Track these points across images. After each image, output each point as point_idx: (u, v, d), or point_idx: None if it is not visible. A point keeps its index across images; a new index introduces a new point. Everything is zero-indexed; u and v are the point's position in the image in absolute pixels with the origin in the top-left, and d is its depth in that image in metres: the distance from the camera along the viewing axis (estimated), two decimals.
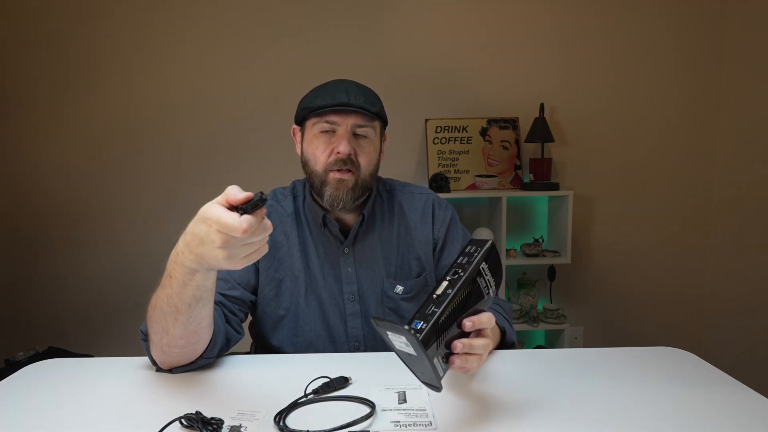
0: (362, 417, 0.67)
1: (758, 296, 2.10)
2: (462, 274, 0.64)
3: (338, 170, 0.97)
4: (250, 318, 1.09)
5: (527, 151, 2.32)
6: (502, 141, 2.27)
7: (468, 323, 0.64)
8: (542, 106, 2.17)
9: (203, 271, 0.69)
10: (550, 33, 2.26)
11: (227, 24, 2.23)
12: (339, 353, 1.00)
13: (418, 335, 0.57)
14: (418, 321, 0.60)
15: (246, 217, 0.60)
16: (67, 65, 2.22)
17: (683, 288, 2.39)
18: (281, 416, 0.68)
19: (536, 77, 2.28)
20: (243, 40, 2.24)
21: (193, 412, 0.68)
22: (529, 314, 2.22)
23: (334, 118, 0.97)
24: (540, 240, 2.25)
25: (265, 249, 0.66)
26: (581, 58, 2.27)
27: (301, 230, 1.06)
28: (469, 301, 0.65)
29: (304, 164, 1.02)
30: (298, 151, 1.06)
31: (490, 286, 0.68)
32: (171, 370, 0.85)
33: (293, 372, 0.84)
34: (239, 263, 0.64)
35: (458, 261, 0.66)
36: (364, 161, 0.99)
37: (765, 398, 0.73)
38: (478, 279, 0.65)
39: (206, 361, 0.86)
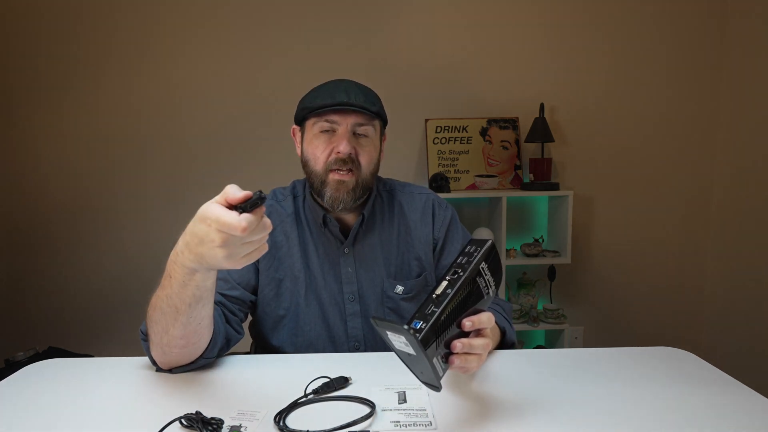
0: (362, 417, 0.67)
1: (758, 296, 2.10)
2: (462, 273, 0.64)
3: (338, 171, 0.97)
4: (250, 318, 1.09)
5: (527, 151, 2.32)
6: (502, 141, 2.27)
7: (467, 323, 0.64)
8: (542, 106, 2.17)
9: (203, 270, 0.69)
10: (550, 33, 2.26)
11: (228, 24, 2.23)
12: (339, 353, 1.00)
13: (417, 335, 0.57)
14: (417, 321, 0.60)
15: (245, 215, 0.60)
16: (68, 66, 2.22)
17: (683, 288, 2.39)
18: (281, 416, 0.68)
19: (536, 77, 2.28)
20: (244, 40, 2.24)
21: (193, 412, 0.68)
22: (529, 314, 2.22)
23: (334, 117, 0.97)
24: (540, 240, 2.25)
25: (265, 248, 0.66)
26: (581, 58, 2.27)
27: (301, 230, 1.06)
28: (469, 300, 0.65)
29: (304, 164, 1.02)
30: (298, 151, 1.06)
31: (490, 286, 0.68)
32: (171, 370, 0.85)
33: (293, 372, 0.84)
34: (239, 262, 0.64)
35: (458, 261, 0.66)
36: (365, 161, 0.99)
37: (765, 398, 0.73)
38: (477, 279, 0.65)
39: (206, 361, 0.86)
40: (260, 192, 0.60)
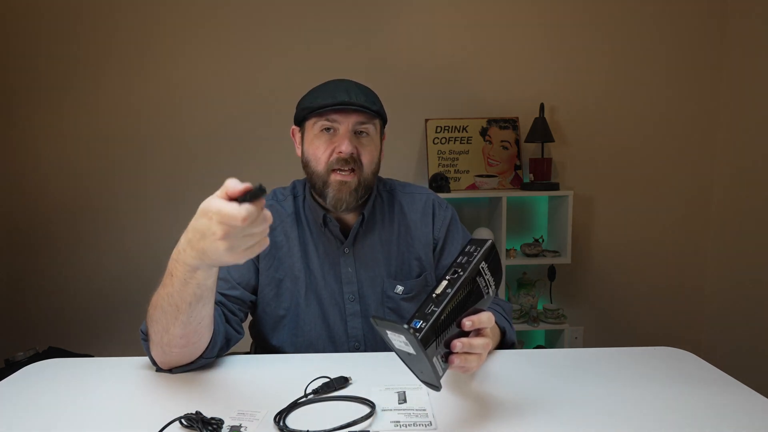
0: (362, 417, 0.67)
1: (758, 296, 2.10)
2: (462, 273, 0.64)
3: (340, 171, 0.97)
4: (250, 318, 1.09)
5: (527, 151, 2.32)
6: (502, 141, 2.27)
7: (467, 322, 0.64)
8: (542, 106, 2.17)
9: (204, 268, 0.69)
10: (550, 33, 2.26)
11: (228, 24, 2.23)
12: (339, 353, 1.00)
13: (417, 334, 0.57)
14: (417, 320, 0.60)
15: (246, 205, 0.60)
16: (68, 66, 2.22)
17: (683, 288, 2.39)
18: (281, 416, 0.68)
19: (536, 77, 2.28)
20: (244, 40, 2.24)
21: (193, 412, 0.68)
22: (529, 314, 2.22)
23: (335, 116, 0.96)
24: (540, 240, 2.25)
25: (266, 242, 0.65)
26: (581, 58, 2.27)
27: (302, 230, 1.06)
28: (469, 300, 0.65)
29: (305, 165, 1.02)
30: (298, 152, 1.06)
31: (490, 286, 0.68)
32: (171, 370, 0.85)
33: (293, 372, 0.84)
34: (241, 255, 0.63)
35: (458, 260, 0.66)
36: (366, 160, 0.99)
37: (765, 398, 0.73)
38: (477, 278, 0.65)
39: (206, 361, 0.86)
40: (260, 184, 0.60)
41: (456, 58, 2.27)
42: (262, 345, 1.09)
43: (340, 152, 0.96)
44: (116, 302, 2.31)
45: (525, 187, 2.21)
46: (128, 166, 2.27)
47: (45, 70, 2.22)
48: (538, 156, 2.25)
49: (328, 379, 0.78)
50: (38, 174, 2.27)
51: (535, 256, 2.18)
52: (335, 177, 0.97)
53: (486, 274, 0.66)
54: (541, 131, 2.14)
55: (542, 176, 2.18)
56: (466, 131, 2.27)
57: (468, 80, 2.28)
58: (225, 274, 0.98)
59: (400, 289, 1.06)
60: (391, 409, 0.71)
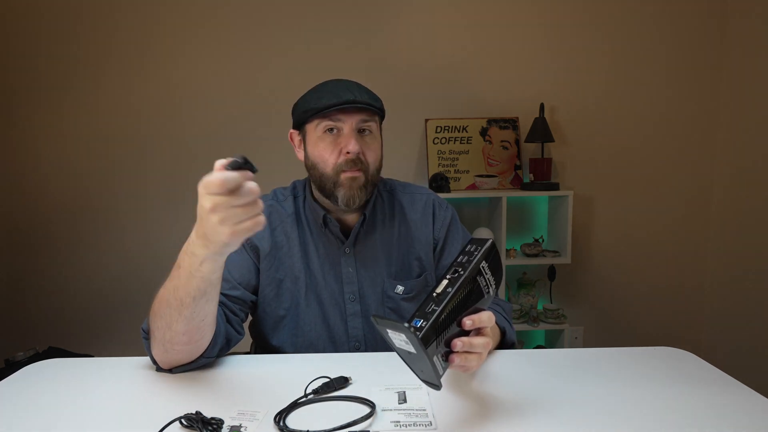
0: (362, 417, 0.67)
1: (758, 296, 2.10)
2: (462, 272, 0.64)
3: (349, 170, 0.97)
4: (251, 318, 1.09)
5: (527, 151, 2.32)
6: (502, 141, 2.27)
7: (468, 322, 0.64)
8: (542, 106, 2.17)
9: (210, 259, 0.70)
10: (550, 33, 2.26)
11: (228, 24, 2.23)
12: (339, 353, 1.00)
13: (418, 333, 0.58)
14: (418, 319, 0.60)
15: (222, 171, 0.62)
16: (68, 66, 2.22)
17: (683, 288, 2.39)
18: (281, 416, 0.68)
19: (536, 77, 2.28)
20: (244, 40, 2.24)
21: (193, 412, 0.68)
22: (529, 314, 2.22)
23: (339, 116, 0.96)
24: (540, 240, 2.25)
25: (261, 221, 0.66)
26: (581, 58, 2.27)
27: (302, 230, 1.06)
28: (469, 299, 0.65)
29: (311, 168, 1.01)
30: (300, 156, 1.05)
31: (490, 285, 0.68)
32: (171, 370, 0.85)
33: (293, 372, 0.84)
34: (235, 231, 0.64)
35: (458, 260, 0.66)
36: (372, 158, 0.99)
37: (765, 398, 0.73)
38: (478, 278, 0.65)
39: (206, 361, 0.86)
40: (242, 155, 0.63)
41: (456, 58, 2.27)
42: (263, 345, 1.09)
43: (348, 153, 0.96)
44: (116, 302, 2.31)
45: (525, 187, 2.21)
46: (128, 166, 2.27)
47: (45, 70, 2.22)
48: (538, 156, 2.25)
49: (328, 379, 0.78)
50: (38, 174, 2.27)
51: (535, 256, 2.18)
52: (345, 175, 0.97)
53: (486, 274, 0.66)
54: (541, 131, 2.14)
55: (542, 176, 2.18)
56: (466, 131, 2.27)
57: (468, 80, 2.28)
58: (226, 274, 0.98)
59: (400, 289, 1.06)
60: (391, 409, 0.71)
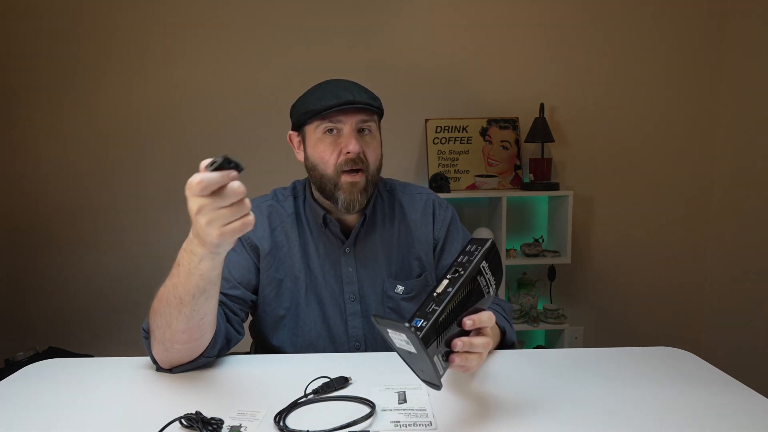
0: (362, 417, 0.67)
1: (758, 296, 2.10)
2: (462, 272, 0.64)
3: (349, 172, 0.97)
4: (251, 318, 1.09)
5: (527, 151, 2.32)
6: (502, 141, 2.27)
7: (468, 322, 0.64)
8: (542, 106, 2.17)
9: (208, 258, 0.70)
10: (550, 33, 2.26)
11: (228, 24, 2.23)
12: (339, 353, 1.00)
13: (418, 333, 0.58)
14: (418, 319, 0.60)
15: (200, 173, 0.61)
16: (68, 66, 2.22)
17: (683, 288, 2.39)
18: (281, 416, 0.68)
19: (536, 77, 2.28)
20: (244, 40, 2.24)
21: (193, 412, 0.68)
22: (529, 314, 2.22)
23: (339, 117, 0.96)
24: (540, 240, 2.25)
25: (249, 221, 0.65)
26: (581, 58, 2.27)
27: (302, 230, 1.06)
28: (470, 299, 0.65)
29: (311, 169, 1.01)
30: (300, 157, 1.05)
31: (491, 285, 0.68)
32: (171, 370, 0.85)
33: (293, 372, 0.84)
34: (224, 233, 0.64)
35: (459, 260, 0.66)
36: (372, 157, 0.99)
37: (765, 398, 0.73)
38: (478, 278, 0.65)
39: (206, 360, 0.86)
40: (223, 155, 0.62)
41: (456, 58, 2.27)
42: (263, 345, 1.09)
43: (348, 153, 0.96)
44: (116, 302, 2.31)
45: (525, 187, 2.21)
46: (128, 166, 2.27)
47: (45, 70, 2.22)
48: (538, 156, 2.25)
49: (328, 379, 0.78)
50: (38, 174, 2.27)
51: (535, 256, 2.18)
52: (345, 179, 0.97)
53: (487, 274, 0.66)
54: (541, 131, 2.14)
55: (542, 176, 2.18)
56: (466, 131, 2.27)
57: (468, 80, 2.28)
58: (226, 274, 0.98)
59: (400, 288, 1.06)
60: (391, 409, 0.71)
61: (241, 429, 0.66)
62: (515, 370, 0.85)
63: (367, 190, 0.99)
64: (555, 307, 2.22)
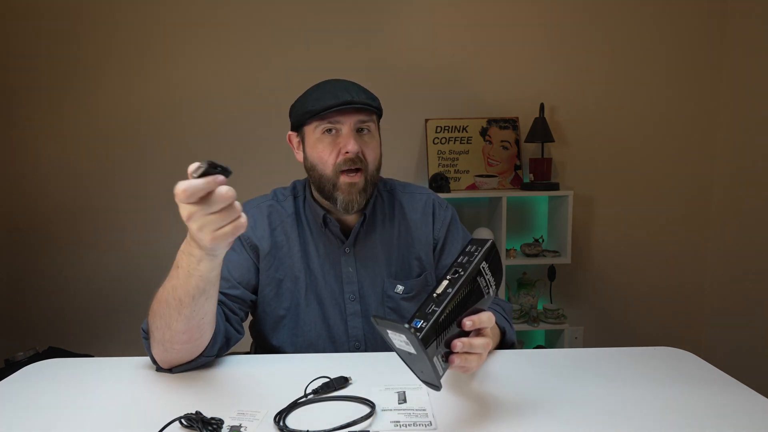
0: (362, 417, 0.67)
1: (758, 296, 2.10)
2: (462, 273, 0.64)
3: (348, 172, 0.97)
4: (251, 318, 1.09)
5: (527, 151, 2.32)
6: (502, 141, 2.27)
7: (468, 322, 0.64)
8: (542, 106, 2.17)
9: (207, 259, 0.70)
10: (550, 33, 2.26)
11: (228, 24, 2.23)
12: (339, 353, 1.00)
13: (418, 334, 0.57)
14: (418, 320, 0.60)
15: (183, 181, 0.61)
16: (68, 66, 2.22)
17: (683, 288, 2.39)
18: (281, 416, 0.68)
19: (536, 77, 2.28)
20: (244, 40, 2.24)
21: (193, 412, 0.68)
22: (529, 314, 2.22)
23: (337, 117, 0.96)
24: (540, 240, 2.25)
25: (240, 224, 0.65)
26: (581, 58, 2.27)
27: (302, 230, 1.06)
28: (469, 300, 0.65)
29: (310, 169, 1.01)
30: (299, 157, 1.05)
31: (490, 286, 0.68)
32: (171, 370, 0.85)
33: (293, 372, 0.84)
34: (217, 238, 0.64)
35: (458, 260, 0.66)
36: (371, 157, 0.99)
37: (765, 398, 0.73)
38: (478, 278, 0.65)
39: (206, 360, 0.86)
40: (209, 160, 0.61)
41: (456, 58, 2.27)
42: (263, 345, 1.09)
43: (347, 152, 0.96)
44: (116, 302, 2.31)
45: (525, 187, 2.21)
46: (128, 166, 2.27)
47: (45, 70, 2.22)
48: (538, 156, 2.25)
49: (328, 379, 0.78)
50: (38, 174, 2.27)
51: (535, 256, 2.18)
52: (344, 179, 0.97)
53: (486, 274, 0.66)
54: (541, 131, 2.14)
55: (542, 176, 2.18)
56: (466, 131, 2.27)
57: (468, 80, 2.28)
58: (226, 273, 0.99)
59: (400, 288, 1.06)
60: (391, 409, 0.71)
61: (241, 429, 0.66)
62: (515, 370, 0.85)
63: (366, 190, 0.99)
64: (555, 307, 2.22)
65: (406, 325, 0.58)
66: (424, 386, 0.65)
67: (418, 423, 0.67)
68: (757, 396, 0.74)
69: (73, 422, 0.69)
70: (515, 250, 2.21)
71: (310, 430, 0.64)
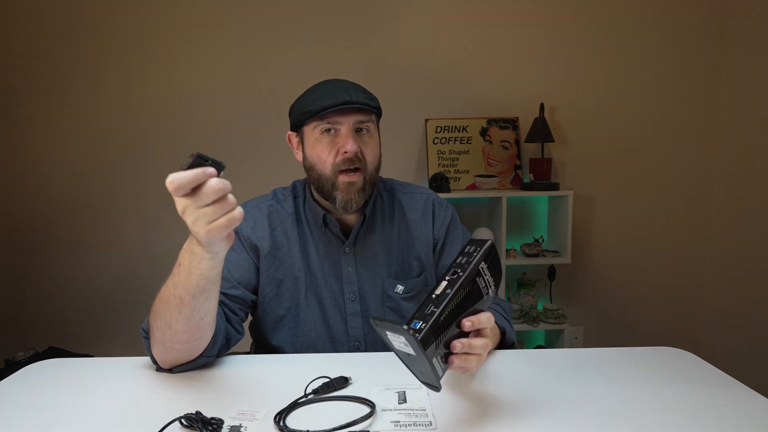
0: (362, 417, 0.67)
1: (758, 296, 2.10)
2: (461, 273, 0.64)
3: (346, 171, 0.97)
4: (251, 318, 1.09)
5: (527, 151, 2.32)
6: (502, 141, 2.27)
7: (467, 323, 0.64)
8: (542, 106, 2.17)
9: (207, 257, 0.70)
10: (550, 33, 2.26)
11: (228, 24, 2.23)
12: (339, 353, 1.00)
13: (417, 335, 0.57)
14: (417, 321, 0.60)
15: (173, 173, 0.62)
16: (68, 66, 2.22)
17: (683, 288, 2.39)
18: (281, 416, 0.69)
19: (536, 77, 2.28)
20: (244, 40, 2.24)
21: (193, 412, 0.68)
22: (529, 314, 2.22)
23: (336, 117, 0.96)
24: (540, 240, 2.25)
25: (235, 216, 0.65)
26: (581, 58, 2.27)
27: (302, 230, 1.06)
28: (468, 300, 0.65)
29: (309, 169, 1.01)
30: (298, 157, 1.05)
31: (490, 286, 0.68)
32: (171, 370, 0.85)
33: (293, 372, 0.84)
34: (209, 230, 0.64)
35: (457, 261, 0.66)
36: (370, 156, 0.99)
37: (765, 398, 0.73)
38: (477, 279, 0.65)
39: (206, 360, 0.86)
40: (194, 153, 0.62)
41: (456, 58, 2.27)
42: (263, 345, 1.09)
43: (346, 152, 0.96)
44: (116, 302, 2.31)
45: (525, 187, 2.21)
46: (128, 166, 2.27)
47: (45, 70, 2.22)
48: (538, 156, 2.25)
49: (328, 379, 0.78)
50: (38, 174, 2.27)
51: (535, 256, 2.18)
52: (343, 178, 0.97)
53: (486, 275, 0.66)
54: (541, 131, 2.14)
55: (542, 176, 2.18)
56: (466, 131, 2.27)
57: (468, 80, 2.28)
58: (226, 274, 0.98)
59: (400, 288, 1.06)
60: (391, 409, 0.71)
61: (241, 429, 0.66)
62: (515, 370, 0.85)
63: (364, 189, 0.99)
64: (555, 307, 2.22)
65: (405, 327, 0.58)
66: (424, 386, 0.65)
67: (418, 423, 0.67)
68: (757, 396, 0.74)
69: (73, 422, 0.69)
70: (515, 250, 2.21)
71: (310, 430, 0.64)
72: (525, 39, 2.26)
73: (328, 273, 1.05)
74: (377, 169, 1.03)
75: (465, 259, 0.66)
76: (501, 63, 2.28)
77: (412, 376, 0.66)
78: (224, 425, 0.66)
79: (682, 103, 2.30)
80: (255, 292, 1.04)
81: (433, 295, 0.63)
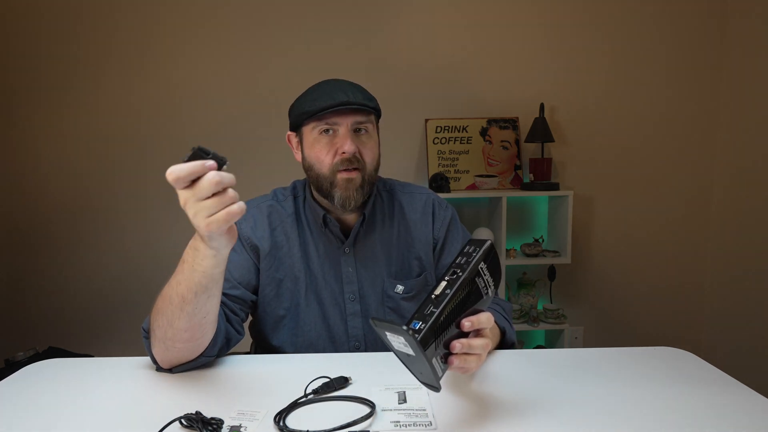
0: (362, 417, 0.67)
1: (758, 296, 2.10)
2: (461, 274, 0.64)
3: (345, 170, 0.97)
4: (251, 318, 1.09)
5: (527, 151, 2.32)
6: (502, 141, 2.27)
7: (467, 323, 0.64)
8: (542, 106, 2.17)
9: (210, 254, 0.71)
10: (550, 33, 2.26)
11: (228, 24, 2.23)
12: (339, 353, 1.00)
13: (416, 336, 0.57)
14: (416, 321, 0.59)
15: (173, 166, 0.63)
16: (68, 66, 2.22)
17: (683, 288, 2.39)
18: (281, 416, 0.69)
19: (536, 77, 2.28)
20: (244, 40, 2.24)
21: (193, 412, 0.68)
22: (529, 314, 2.22)
23: (334, 118, 0.96)
24: (540, 240, 2.25)
25: (234, 210, 0.65)
26: (581, 58, 2.27)
27: (302, 230, 1.06)
28: (468, 301, 0.65)
29: (308, 169, 1.01)
30: (298, 157, 1.05)
31: (489, 286, 0.68)
32: (171, 370, 0.85)
33: (293, 372, 0.84)
34: (209, 223, 0.65)
35: (457, 261, 0.66)
36: (369, 157, 0.99)
37: (765, 398, 0.73)
38: (476, 279, 0.65)
39: (206, 360, 0.86)
40: (195, 146, 0.63)
41: (456, 58, 2.27)
42: (263, 345, 1.09)
43: (344, 153, 0.96)
44: (116, 302, 2.31)
45: (525, 187, 2.21)
46: (128, 166, 2.27)
47: (45, 70, 2.22)
48: (538, 156, 2.25)
49: (328, 379, 0.78)
50: (38, 174, 2.27)
51: (535, 256, 2.18)
52: (341, 176, 0.97)
53: (485, 275, 0.66)
54: (541, 131, 2.14)
55: (542, 176, 2.18)
56: (466, 131, 2.27)
57: (468, 80, 2.28)
58: (226, 274, 0.98)
59: (400, 288, 1.06)
60: (391, 409, 0.71)
61: (241, 429, 0.66)
62: (515, 370, 0.85)
63: (363, 187, 0.99)
64: (555, 307, 2.22)
65: (404, 327, 0.58)
66: (424, 386, 0.65)
67: (418, 423, 0.67)
68: (757, 396, 0.74)
69: (73, 422, 0.69)
70: (515, 250, 2.21)
71: (310, 430, 0.64)
72: (525, 39, 2.26)
73: (328, 273, 1.05)
74: (376, 169, 1.03)
75: (464, 259, 0.65)
76: (501, 63, 2.28)
77: (412, 376, 0.66)
78: (224, 425, 0.67)
79: (682, 103, 2.30)
80: (255, 292, 1.04)
81: (433, 296, 0.63)
